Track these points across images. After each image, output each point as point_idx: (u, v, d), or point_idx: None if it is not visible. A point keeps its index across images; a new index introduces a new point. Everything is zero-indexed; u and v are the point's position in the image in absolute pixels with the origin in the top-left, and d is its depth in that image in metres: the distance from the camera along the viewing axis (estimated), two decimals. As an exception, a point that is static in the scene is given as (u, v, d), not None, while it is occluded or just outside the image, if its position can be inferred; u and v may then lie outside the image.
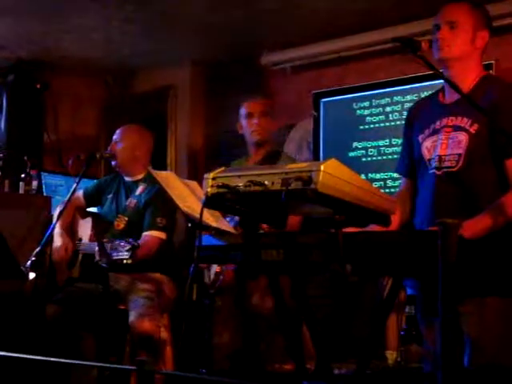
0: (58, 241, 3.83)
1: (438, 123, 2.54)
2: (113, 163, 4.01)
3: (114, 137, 4.02)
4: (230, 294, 3.59)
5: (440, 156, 2.49)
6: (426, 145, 2.56)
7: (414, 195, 2.63)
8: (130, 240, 3.33)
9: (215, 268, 3.57)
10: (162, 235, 3.76)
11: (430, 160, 2.53)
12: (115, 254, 3.34)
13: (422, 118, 2.64)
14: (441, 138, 2.50)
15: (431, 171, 2.52)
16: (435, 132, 2.54)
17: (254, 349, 3.53)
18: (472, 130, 2.43)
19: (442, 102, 2.59)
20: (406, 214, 2.62)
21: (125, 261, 3.31)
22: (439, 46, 2.49)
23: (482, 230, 2.25)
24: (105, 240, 3.44)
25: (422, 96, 2.77)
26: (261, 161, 3.78)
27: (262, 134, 3.84)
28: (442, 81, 2.58)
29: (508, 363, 2.34)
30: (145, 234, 3.75)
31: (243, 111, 3.90)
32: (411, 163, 2.67)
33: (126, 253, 3.30)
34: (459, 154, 2.44)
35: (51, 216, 4.22)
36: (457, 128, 2.47)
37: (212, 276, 3.56)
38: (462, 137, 2.44)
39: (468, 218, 2.24)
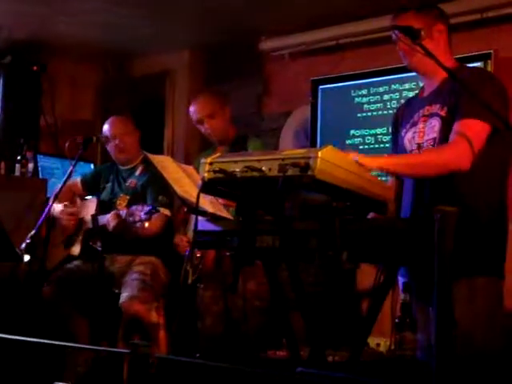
0: (58, 209, 3.89)
1: (415, 115, 2.61)
2: (120, 156, 4.01)
3: (117, 130, 3.99)
4: (210, 279, 3.60)
5: (418, 144, 2.55)
6: (408, 137, 2.62)
7: (400, 193, 2.65)
8: (149, 205, 3.43)
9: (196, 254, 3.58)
10: (166, 212, 3.80)
11: (411, 151, 2.58)
12: (131, 218, 3.39)
13: (404, 116, 2.71)
14: (419, 128, 2.56)
15: None
16: (414, 124, 2.60)
17: (236, 333, 3.53)
18: (443, 114, 2.48)
19: (421, 97, 2.67)
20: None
21: (140, 223, 3.36)
22: (402, 57, 2.58)
23: (383, 164, 2.30)
24: (121, 209, 3.56)
25: (420, 84, 2.79)
26: (228, 149, 3.71)
27: (218, 135, 3.76)
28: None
29: (498, 350, 2.37)
30: None
31: (192, 117, 3.81)
32: None
33: (144, 216, 3.34)
34: (434, 138, 2.49)
35: (47, 199, 4.22)
36: (430, 115, 2.53)
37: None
38: (435, 121, 2.50)
39: (446, 199, 2.28)
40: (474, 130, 2.34)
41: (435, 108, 2.52)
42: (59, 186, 4.08)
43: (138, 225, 3.44)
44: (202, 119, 3.76)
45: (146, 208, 3.39)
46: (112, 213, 3.63)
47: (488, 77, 2.57)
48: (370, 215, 2.36)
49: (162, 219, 3.77)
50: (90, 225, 3.78)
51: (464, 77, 2.43)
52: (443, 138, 2.46)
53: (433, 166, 2.36)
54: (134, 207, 3.46)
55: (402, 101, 4.12)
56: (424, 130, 2.53)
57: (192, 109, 3.82)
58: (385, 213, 2.18)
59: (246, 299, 3.41)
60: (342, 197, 2.01)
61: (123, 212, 3.53)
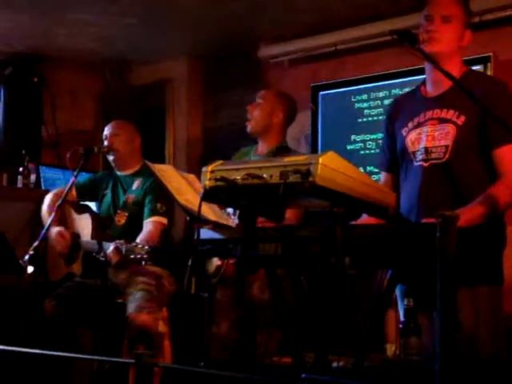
0: (52, 235, 3.83)
1: (422, 116, 2.55)
2: (110, 158, 4.01)
3: (109, 131, 4.03)
4: (229, 285, 3.59)
5: (426, 148, 2.51)
6: (410, 137, 2.57)
7: (395, 189, 2.64)
8: (148, 246, 3.33)
9: (216, 259, 3.57)
10: (163, 220, 3.79)
11: (414, 152, 2.55)
12: (132, 256, 3.32)
13: (404, 112, 2.65)
14: (426, 131, 2.52)
15: (418, 163, 2.54)
16: (419, 125, 2.55)
17: (251, 341, 3.54)
18: (459, 122, 2.45)
19: (425, 95, 2.61)
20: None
21: (143, 262, 3.30)
22: (429, 37, 2.47)
23: (475, 219, 2.28)
24: (119, 242, 3.43)
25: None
26: (266, 156, 3.66)
27: (252, 125, 3.68)
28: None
29: (502, 355, 2.38)
30: (147, 220, 3.76)
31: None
32: (392, 157, 2.70)
33: (145, 255, 3.29)
34: (446, 146, 2.46)
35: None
36: (443, 120, 2.49)
37: (213, 267, 3.56)
38: (449, 128, 2.46)
39: (456, 208, 2.25)
40: None
41: (449, 114, 2.47)
42: (50, 193, 4.08)
43: (139, 262, 3.35)
44: (252, 101, 3.74)
45: (146, 247, 3.31)
46: (112, 248, 3.46)
47: (507, 92, 2.51)
48: (363, 218, 2.36)
49: (158, 228, 3.75)
50: (86, 246, 3.76)
51: (479, 89, 2.39)
52: (457, 147, 2.44)
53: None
54: (134, 243, 3.37)
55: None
56: (434, 135, 2.49)
57: None
58: (386, 218, 2.18)
59: (261, 308, 3.41)
60: (343, 202, 2.01)
61: (123, 247, 3.39)
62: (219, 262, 3.51)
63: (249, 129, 3.71)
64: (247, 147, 3.86)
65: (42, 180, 5.23)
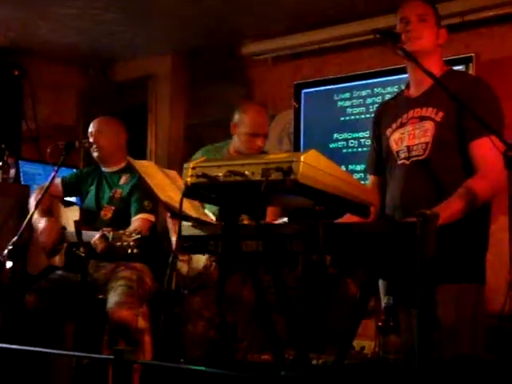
0: (41, 225, 3.81)
1: (404, 116, 2.59)
2: (94, 154, 3.99)
3: (93, 128, 4.01)
4: (201, 284, 3.59)
5: (408, 146, 2.54)
6: (394, 138, 2.60)
7: (383, 191, 2.67)
8: (136, 231, 3.35)
9: (205, 258, 3.55)
10: (151, 217, 3.79)
11: (398, 152, 2.58)
12: (119, 243, 3.33)
13: (389, 114, 2.69)
14: (408, 130, 2.55)
15: (400, 162, 2.56)
16: (402, 125, 2.59)
17: (229, 339, 3.54)
18: (437, 119, 2.48)
19: (408, 96, 2.65)
20: (378, 208, 2.64)
21: (129, 250, 3.30)
22: (409, 37, 2.50)
23: (453, 214, 2.28)
24: (106, 229, 3.44)
25: (403, 87, 2.80)
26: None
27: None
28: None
29: (480, 353, 2.40)
30: (135, 218, 3.76)
31: (247, 128, 3.66)
32: (379, 160, 2.72)
33: (132, 242, 3.30)
34: (426, 143, 2.49)
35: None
36: (423, 118, 2.52)
37: (201, 265, 3.54)
38: (428, 125, 2.49)
39: (438, 204, 2.27)
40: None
41: (428, 111, 2.50)
42: (37, 188, 4.06)
43: (125, 250, 3.36)
44: (259, 134, 3.69)
45: (134, 235, 3.32)
46: (98, 235, 3.48)
47: (489, 94, 2.51)
48: (346, 216, 2.37)
49: (146, 225, 3.76)
50: (72, 238, 3.73)
51: (458, 86, 2.42)
52: (436, 143, 2.46)
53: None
54: (121, 231, 3.37)
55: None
56: (414, 133, 2.51)
57: (252, 119, 3.70)
58: (367, 216, 2.19)
59: (241, 304, 3.41)
60: (325, 201, 2.01)
61: (109, 234, 3.41)
62: (202, 269, 3.50)
63: None
64: (217, 143, 3.88)
65: (21, 175, 5.19)
